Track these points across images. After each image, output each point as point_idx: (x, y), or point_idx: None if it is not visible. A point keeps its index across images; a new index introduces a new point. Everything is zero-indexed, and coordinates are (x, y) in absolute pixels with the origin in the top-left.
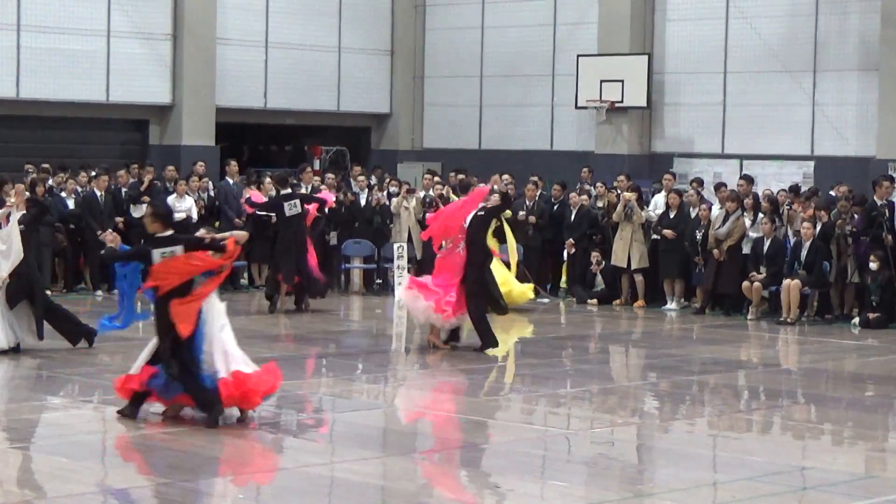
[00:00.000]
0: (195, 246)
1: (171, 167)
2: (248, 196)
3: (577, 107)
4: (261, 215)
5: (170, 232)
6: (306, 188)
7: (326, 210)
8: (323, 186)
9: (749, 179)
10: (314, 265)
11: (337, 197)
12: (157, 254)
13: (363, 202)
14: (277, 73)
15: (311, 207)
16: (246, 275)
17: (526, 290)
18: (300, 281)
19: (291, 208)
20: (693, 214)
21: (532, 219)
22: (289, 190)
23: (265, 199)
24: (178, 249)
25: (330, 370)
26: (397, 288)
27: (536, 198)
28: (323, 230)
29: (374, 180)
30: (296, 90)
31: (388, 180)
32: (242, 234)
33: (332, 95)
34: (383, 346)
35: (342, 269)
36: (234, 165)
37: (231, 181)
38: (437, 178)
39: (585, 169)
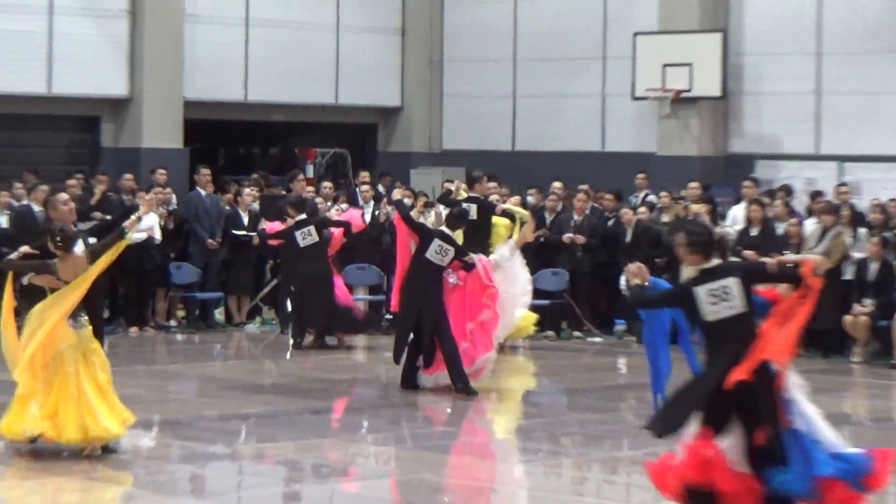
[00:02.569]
0: None
1: (128, 176)
2: (262, 227)
3: (633, 97)
4: (238, 235)
5: None
6: None
7: (352, 233)
8: (319, 199)
9: (847, 187)
10: (346, 298)
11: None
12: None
13: (368, 217)
14: (260, 59)
15: (337, 233)
16: (222, 308)
17: (526, 322)
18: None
19: (305, 237)
20: (780, 231)
21: (580, 238)
22: (303, 216)
23: (281, 229)
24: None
25: (328, 429)
26: None
27: (587, 212)
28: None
29: (381, 190)
30: (283, 80)
31: (399, 190)
32: None
33: (328, 86)
34: (394, 399)
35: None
36: (205, 173)
37: (203, 192)
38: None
39: (641, 175)
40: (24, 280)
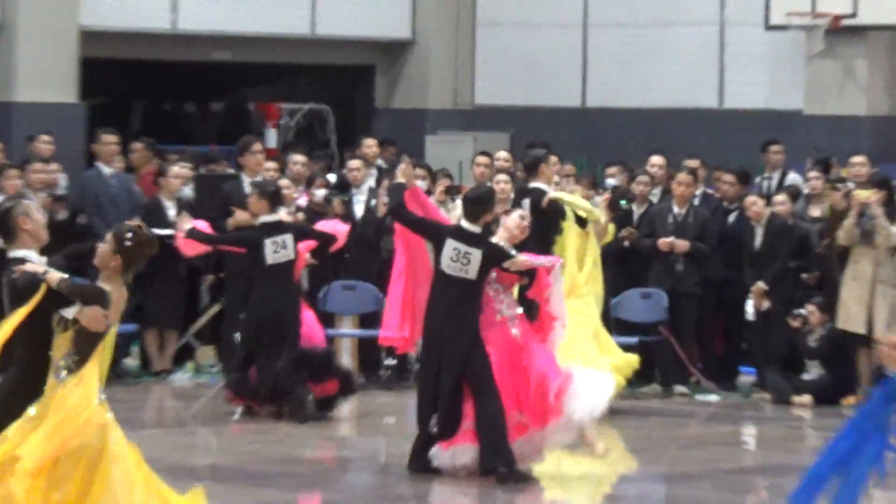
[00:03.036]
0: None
1: None
2: (189, 227)
3: (767, 27)
4: (162, 236)
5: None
6: (250, 180)
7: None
8: (284, 182)
9: None
10: (318, 339)
11: (311, 200)
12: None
13: (360, 211)
14: None
15: (304, 247)
16: (136, 349)
17: (629, 360)
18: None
19: (278, 249)
20: None
21: (682, 244)
22: (275, 216)
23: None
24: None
25: None
26: None
27: (695, 202)
28: None
29: (381, 166)
30: (232, 1)
31: (407, 167)
32: None
33: (300, 8)
34: (398, 488)
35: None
36: (111, 141)
37: (107, 170)
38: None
39: (775, 147)
40: (70, 314)
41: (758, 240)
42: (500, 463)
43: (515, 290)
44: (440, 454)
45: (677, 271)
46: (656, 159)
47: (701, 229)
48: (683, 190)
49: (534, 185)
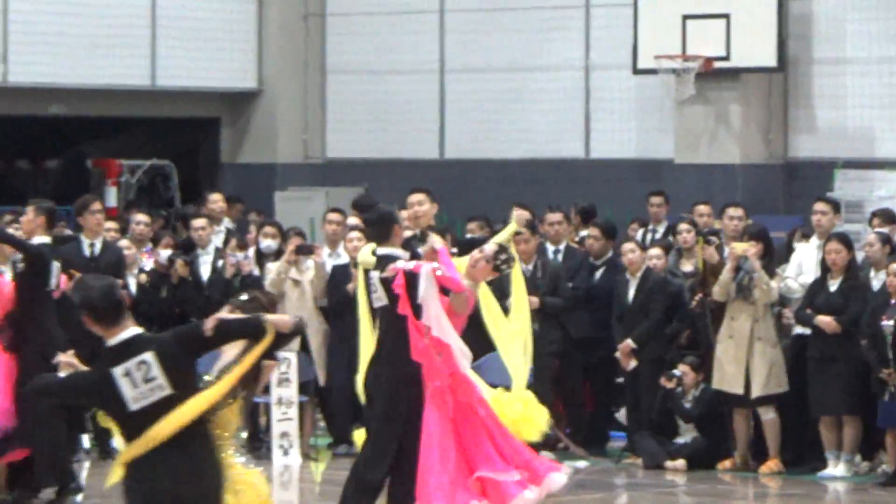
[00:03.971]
0: None
1: None
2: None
3: (635, 70)
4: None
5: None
6: (90, 241)
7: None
8: (124, 243)
9: None
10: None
11: (155, 262)
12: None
13: (206, 272)
14: (28, 20)
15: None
16: None
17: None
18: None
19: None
20: (876, 284)
21: (531, 301)
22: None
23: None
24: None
25: None
26: (277, 456)
27: (557, 254)
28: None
29: (227, 226)
30: (66, 50)
31: (256, 226)
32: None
33: (140, 59)
34: None
35: None
36: None
37: None
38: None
39: (657, 200)
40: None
41: (630, 294)
42: None
43: None
44: None
45: (533, 331)
46: (519, 213)
47: (553, 283)
48: (524, 247)
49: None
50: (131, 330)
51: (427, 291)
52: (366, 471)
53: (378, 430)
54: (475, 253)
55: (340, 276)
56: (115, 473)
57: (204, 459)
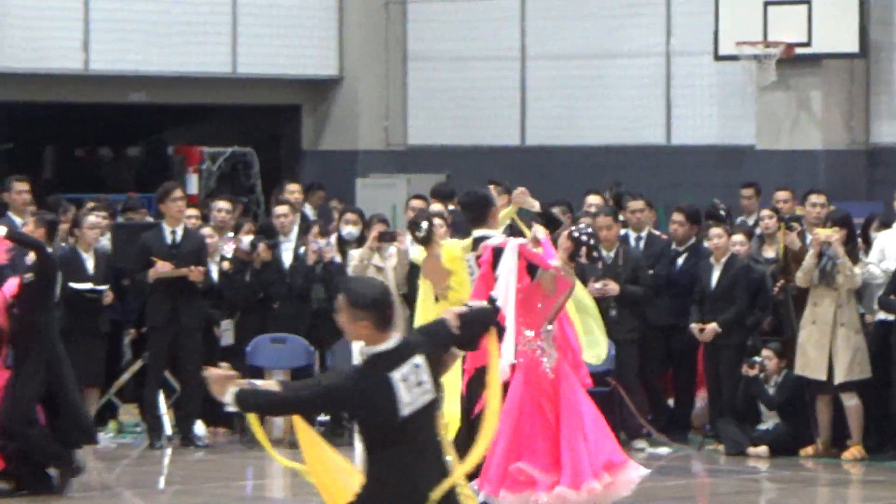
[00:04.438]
0: None
1: None
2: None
3: (716, 57)
4: (79, 290)
5: None
6: (171, 229)
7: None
8: (207, 231)
9: None
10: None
11: (237, 248)
12: None
13: (288, 259)
14: (111, 7)
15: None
16: None
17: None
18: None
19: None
20: None
21: (611, 288)
22: None
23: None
24: None
25: None
26: (359, 441)
27: (639, 241)
28: (209, 316)
29: (309, 212)
30: (145, 38)
31: (338, 213)
32: None
33: (221, 46)
34: None
35: None
36: (21, 189)
37: (18, 220)
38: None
39: (748, 191)
40: None
41: (714, 279)
42: None
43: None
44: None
45: (611, 318)
46: (593, 199)
47: (633, 271)
48: (605, 233)
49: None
50: (396, 334)
51: (507, 265)
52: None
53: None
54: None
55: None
56: (352, 478)
57: (444, 461)
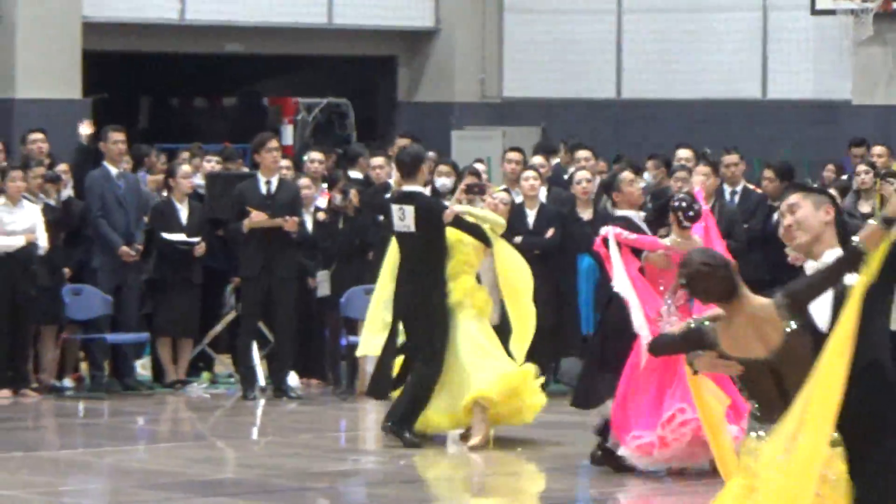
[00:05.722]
0: None
1: None
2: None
3: (813, 11)
4: (173, 241)
5: None
6: (266, 179)
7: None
8: (304, 182)
9: None
10: None
11: (331, 199)
12: None
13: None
14: None
15: None
16: (148, 359)
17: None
18: None
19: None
20: None
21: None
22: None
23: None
24: None
25: None
26: None
27: (733, 195)
28: (303, 267)
29: None
30: None
31: (433, 164)
32: None
33: None
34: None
35: (342, 348)
36: (117, 139)
37: (113, 170)
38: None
39: (857, 150)
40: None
41: None
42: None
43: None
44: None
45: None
46: (683, 153)
47: (728, 226)
48: (703, 183)
49: (410, 188)
50: None
51: (613, 253)
52: None
53: None
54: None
55: (515, 215)
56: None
57: None
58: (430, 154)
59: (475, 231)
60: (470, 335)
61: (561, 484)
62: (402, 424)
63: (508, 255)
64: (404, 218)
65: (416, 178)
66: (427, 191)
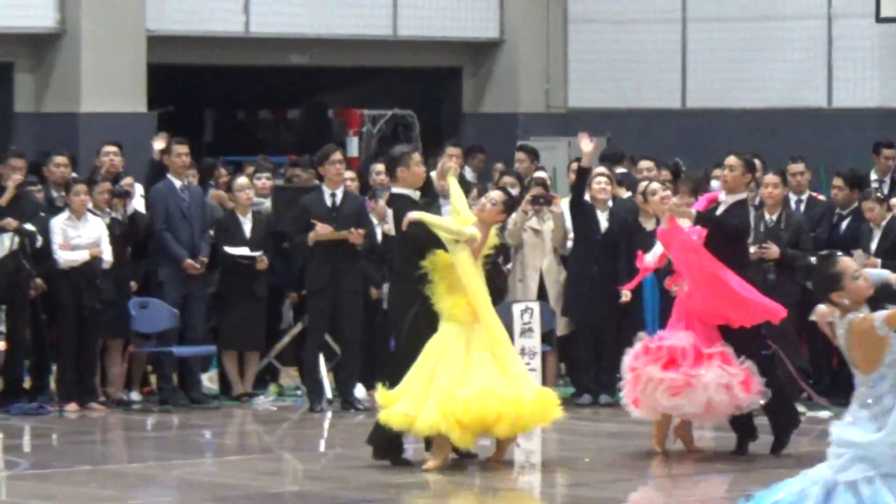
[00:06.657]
0: None
1: (60, 158)
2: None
3: (878, 18)
4: (236, 256)
5: None
6: (331, 192)
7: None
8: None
9: None
10: None
11: None
12: None
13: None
14: None
15: None
16: (215, 372)
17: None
18: None
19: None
20: None
21: (773, 251)
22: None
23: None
24: None
25: None
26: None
27: (799, 204)
28: (369, 279)
29: (470, 175)
30: (309, 0)
31: (497, 175)
32: None
33: (381, 8)
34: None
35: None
36: (182, 152)
37: (177, 182)
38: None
39: (888, 152)
40: None
41: (874, 243)
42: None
43: None
44: None
45: (769, 281)
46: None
47: (795, 235)
48: (772, 191)
49: (394, 190)
50: None
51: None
52: None
53: None
54: None
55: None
56: None
57: None
58: (499, 166)
59: (434, 240)
60: (455, 347)
61: None
62: (385, 452)
63: (463, 269)
64: (388, 220)
65: (398, 179)
66: (416, 194)
